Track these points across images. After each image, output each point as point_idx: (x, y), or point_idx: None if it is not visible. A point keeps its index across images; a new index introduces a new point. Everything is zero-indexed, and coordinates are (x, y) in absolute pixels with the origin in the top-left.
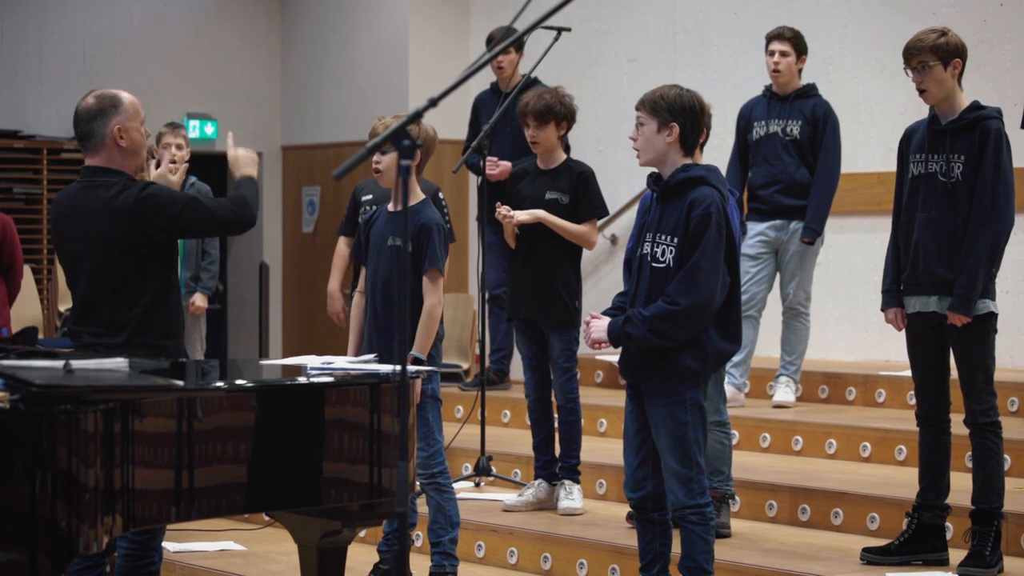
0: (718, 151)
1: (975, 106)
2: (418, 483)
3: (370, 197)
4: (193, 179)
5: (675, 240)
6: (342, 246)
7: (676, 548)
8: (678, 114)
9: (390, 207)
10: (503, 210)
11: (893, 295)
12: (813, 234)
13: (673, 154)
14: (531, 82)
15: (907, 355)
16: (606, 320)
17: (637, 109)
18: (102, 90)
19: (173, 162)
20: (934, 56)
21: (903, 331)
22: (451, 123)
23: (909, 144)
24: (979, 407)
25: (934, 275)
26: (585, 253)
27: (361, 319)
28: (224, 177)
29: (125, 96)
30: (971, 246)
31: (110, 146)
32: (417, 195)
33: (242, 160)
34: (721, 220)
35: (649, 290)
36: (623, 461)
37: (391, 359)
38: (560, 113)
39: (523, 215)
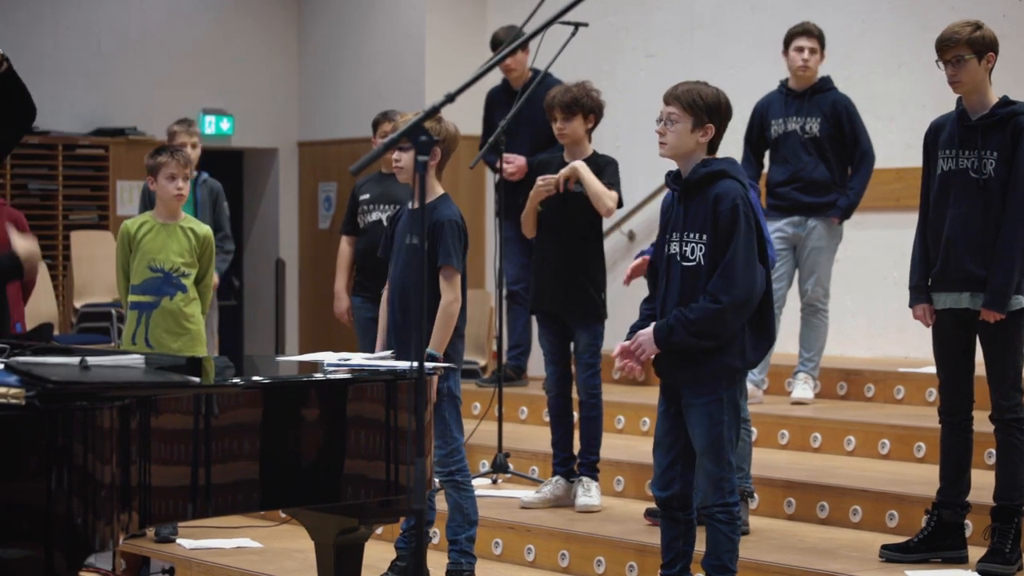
0: (735, 146)
1: (1005, 101)
2: (437, 480)
3: (368, 196)
4: (205, 175)
5: (704, 237)
6: (345, 245)
7: (698, 546)
8: (715, 115)
9: (411, 204)
10: (540, 180)
11: (921, 291)
12: (844, 215)
13: (699, 152)
14: (543, 77)
15: (932, 351)
16: (648, 334)
17: (668, 103)
18: None
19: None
20: (970, 49)
21: (927, 327)
22: (466, 119)
23: (936, 139)
24: (1006, 403)
25: (966, 272)
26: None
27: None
28: (240, 174)
29: None
30: (1006, 243)
31: None
32: (435, 192)
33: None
34: (749, 211)
35: (681, 289)
36: (652, 459)
37: (407, 357)
38: (587, 106)
39: (563, 171)
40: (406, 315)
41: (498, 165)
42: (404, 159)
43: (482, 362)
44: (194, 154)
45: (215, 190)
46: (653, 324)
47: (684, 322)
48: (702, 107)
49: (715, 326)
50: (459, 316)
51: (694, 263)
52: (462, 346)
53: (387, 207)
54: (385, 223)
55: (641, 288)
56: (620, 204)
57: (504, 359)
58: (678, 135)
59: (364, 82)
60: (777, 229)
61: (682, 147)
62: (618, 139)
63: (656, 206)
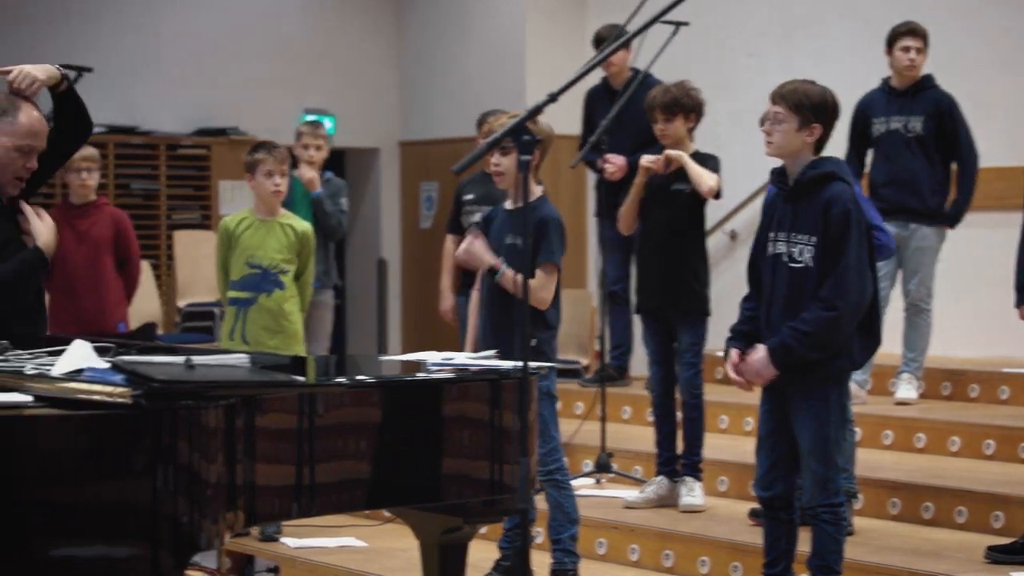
0: (836, 145)
1: None
2: (537, 480)
3: (471, 196)
4: (329, 175)
5: (813, 239)
6: (449, 244)
7: (801, 546)
8: (822, 115)
9: (508, 205)
10: (646, 160)
11: None
12: (952, 223)
13: (806, 152)
14: (644, 78)
15: None
16: (764, 359)
17: (774, 102)
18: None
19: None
20: None
21: None
22: (566, 118)
23: None
24: None
25: None
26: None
27: (478, 315)
28: (342, 174)
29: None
30: None
31: None
32: (534, 193)
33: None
34: (859, 216)
35: (788, 291)
36: (755, 459)
37: (509, 358)
38: (687, 106)
39: (671, 153)
40: (506, 315)
41: (599, 165)
42: (504, 163)
43: (584, 362)
44: (318, 156)
45: (336, 185)
46: (765, 347)
47: (799, 337)
48: (808, 107)
49: (831, 334)
50: (553, 315)
51: (802, 265)
52: (557, 344)
53: (490, 207)
54: None
55: (742, 286)
56: (719, 195)
57: (607, 359)
58: (784, 135)
59: (465, 81)
60: None
61: (788, 147)
62: (718, 138)
63: (758, 205)
